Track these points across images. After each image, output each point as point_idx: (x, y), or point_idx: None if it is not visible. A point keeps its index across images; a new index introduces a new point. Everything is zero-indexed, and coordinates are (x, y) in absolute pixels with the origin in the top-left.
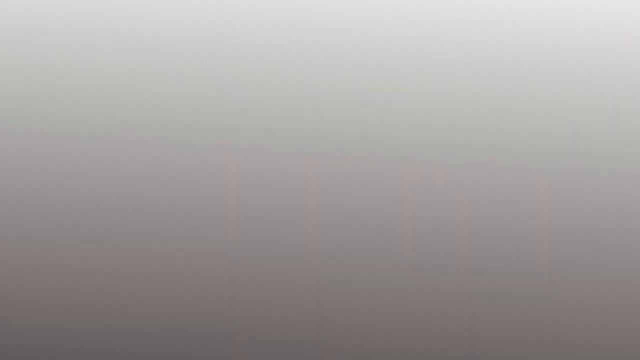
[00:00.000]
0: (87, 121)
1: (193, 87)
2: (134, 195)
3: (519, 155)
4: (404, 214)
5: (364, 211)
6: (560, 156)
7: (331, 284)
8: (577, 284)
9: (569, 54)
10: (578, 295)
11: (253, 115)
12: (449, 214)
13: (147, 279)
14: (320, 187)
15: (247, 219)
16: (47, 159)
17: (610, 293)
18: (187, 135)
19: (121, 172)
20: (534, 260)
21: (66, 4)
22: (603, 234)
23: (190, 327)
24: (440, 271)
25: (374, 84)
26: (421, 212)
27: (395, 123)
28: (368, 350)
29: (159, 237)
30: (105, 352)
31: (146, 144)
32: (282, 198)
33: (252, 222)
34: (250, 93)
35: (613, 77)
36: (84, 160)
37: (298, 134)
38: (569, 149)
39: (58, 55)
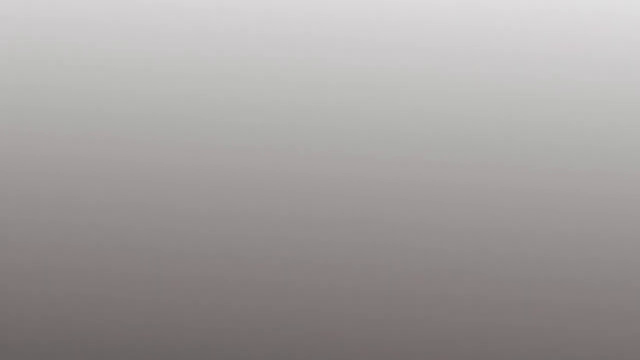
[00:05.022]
0: (82, 120)
1: (188, 85)
2: (123, 195)
3: (524, 155)
4: (402, 215)
5: (361, 212)
6: (565, 156)
7: (327, 287)
8: (580, 289)
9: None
10: (580, 300)
11: (248, 113)
12: (447, 215)
13: (143, 282)
14: (317, 187)
15: (244, 219)
16: (39, 159)
17: (612, 298)
18: (181, 135)
19: (114, 172)
20: (538, 264)
21: (63, 2)
22: (608, 236)
23: (186, 331)
24: (440, 275)
25: (374, 81)
26: (419, 213)
27: (394, 120)
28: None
29: (156, 239)
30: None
31: (140, 143)
32: (277, 198)
33: (249, 223)
34: (242, 90)
35: (619, 75)
36: (79, 160)
37: (294, 132)
38: (573, 148)
39: (56, 54)
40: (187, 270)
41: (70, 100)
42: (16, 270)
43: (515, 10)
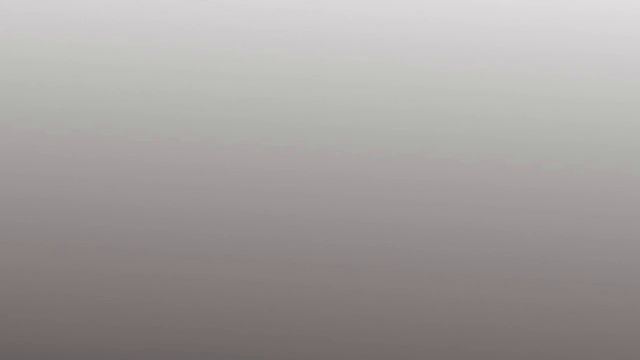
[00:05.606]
0: (80, 119)
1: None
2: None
3: (529, 155)
4: (403, 215)
5: (363, 212)
6: (569, 156)
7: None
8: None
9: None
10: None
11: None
12: (448, 215)
13: (142, 283)
14: (318, 187)
15: (244, 219)
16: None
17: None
18: (181, 135)
19: (114, 172)
20: (541, 266)
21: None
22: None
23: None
24: (443, 278)
25: (375, 80)
26: (420, 213)
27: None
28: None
29: (153, 242)
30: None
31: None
32: (277, 198)
33: (247, 225)
34: (242, 89)
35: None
36: (74, 159)
37: (294, 131)
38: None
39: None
40: (188, 271)
41: (67, 99)
42: (15, 271)
43: (517, 7)
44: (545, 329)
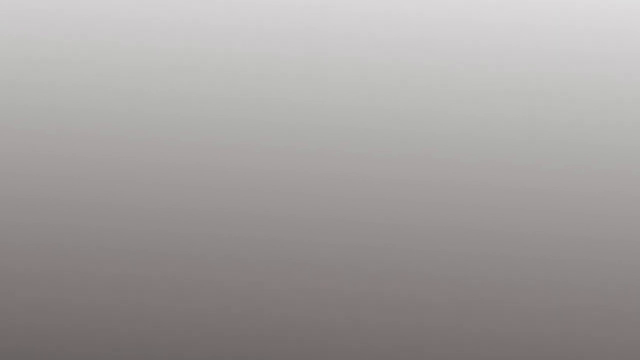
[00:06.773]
0: (78, 119)
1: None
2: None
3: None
4: (405, 216)
5: (364, 213)
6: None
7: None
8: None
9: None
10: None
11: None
12: (449, 216)
13: (141, 284)
14: (319, 187)
15: (243, 219)
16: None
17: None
18: (181, 134)
19: (113, 172)
20: (544, 267)
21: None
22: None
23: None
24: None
25: (376, 79)
26: (421, 214)
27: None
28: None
29: (153, 242)
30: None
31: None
32: (277, 198)
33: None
34: (242, 88)
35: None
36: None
37: (294, 131)
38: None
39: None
40: (188, 271)
41: (67, 99)
42: (15, 271)
43: (518, 6)
44: (545, 329)
